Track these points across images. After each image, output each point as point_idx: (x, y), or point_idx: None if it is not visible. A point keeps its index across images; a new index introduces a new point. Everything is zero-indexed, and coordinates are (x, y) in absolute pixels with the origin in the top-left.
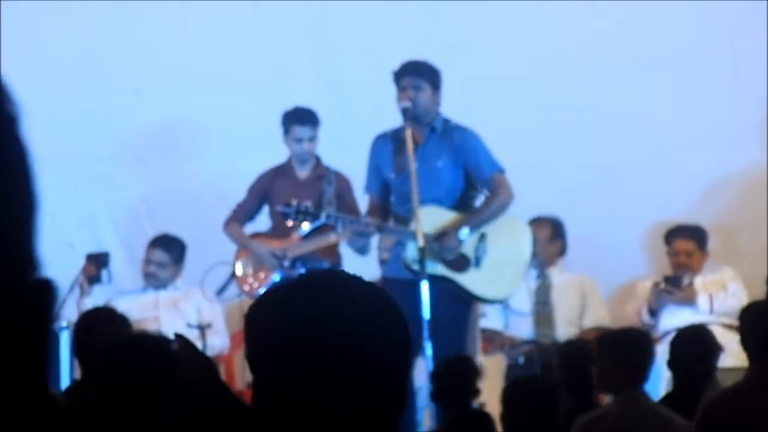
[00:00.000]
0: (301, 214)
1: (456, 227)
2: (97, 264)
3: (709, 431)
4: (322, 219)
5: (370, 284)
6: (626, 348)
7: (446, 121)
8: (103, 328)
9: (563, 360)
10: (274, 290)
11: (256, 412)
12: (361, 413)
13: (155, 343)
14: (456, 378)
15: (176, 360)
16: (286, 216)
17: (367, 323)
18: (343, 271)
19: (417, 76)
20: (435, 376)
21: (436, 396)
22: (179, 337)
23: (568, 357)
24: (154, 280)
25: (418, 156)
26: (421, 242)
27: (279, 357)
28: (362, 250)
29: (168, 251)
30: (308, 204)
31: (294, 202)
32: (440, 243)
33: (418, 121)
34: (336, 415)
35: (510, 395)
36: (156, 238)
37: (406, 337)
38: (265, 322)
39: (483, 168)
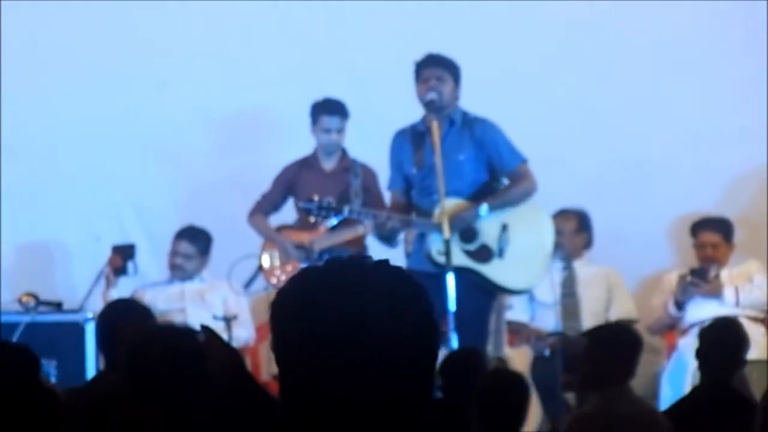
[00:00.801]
0: (323, 210)
1: (476, 204)
2: (123, 256)
3: None
4: (345, 214)
5: (396, 270)
6: (617, 343)
7: (465, 114)
8: (126, 320)
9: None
10: (298, 279)
11: (282, 403)
12: (386, 403)
13: (182, 333)
14: (463, 371)
15: (203, 351)
16: (308, 212)
17: (393, 311)
18: (369, 258)
19: (440, 68)
20: (442, 370)
21: (443, 390)
22: (205, 329)
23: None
24: (180, 271)
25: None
26: (446, 234)
27: (303, 347)
28: (389, 240)
29: (194, 243)
30: (330, 199)
31: (316, 198)
32: (458, 215)
33: (438, 113)
34: (361, 405)
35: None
36: (182, 229)
37: (433, 324)
38: (290, 312)
39: (506, 159)
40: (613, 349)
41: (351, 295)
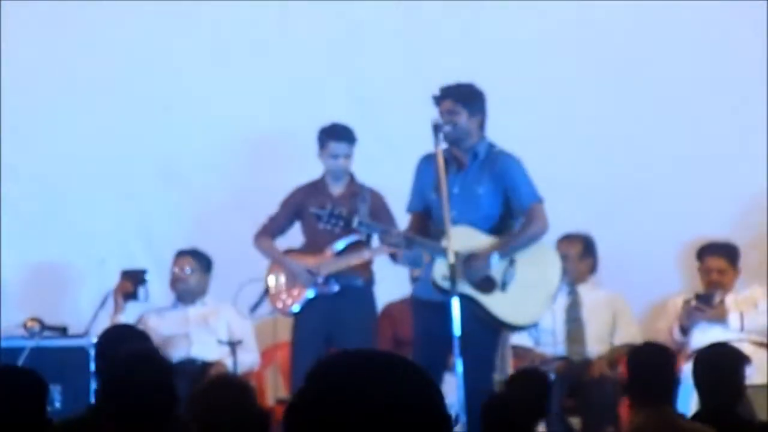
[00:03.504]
0: (333, 218)
1: (487, 253)
2: (134, 281)
3: None
4: (354, 224)
5: (408, 364)
6: (656, 363)
7: (491, 146)
8: (124, 346)
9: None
10: (312, 387)
11: None
12: None
13: (157, 357)
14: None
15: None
16: (318, 218)
17: (409, 414)
18: (379, 353)
19: (451, 100)
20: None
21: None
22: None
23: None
24: (182, 285)
25: (459, 180)
26: (452, 259)
27: None
28: (416, 263)
29: (195, 258)
30: (342, 209)
31: (328, 206)
32: (469, 263)
33: (457, 145)
34: None
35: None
36: (183, 249)
37: (446, 418)
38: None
39: (522, 196)
40: (657, 369)
41: (367, 401)
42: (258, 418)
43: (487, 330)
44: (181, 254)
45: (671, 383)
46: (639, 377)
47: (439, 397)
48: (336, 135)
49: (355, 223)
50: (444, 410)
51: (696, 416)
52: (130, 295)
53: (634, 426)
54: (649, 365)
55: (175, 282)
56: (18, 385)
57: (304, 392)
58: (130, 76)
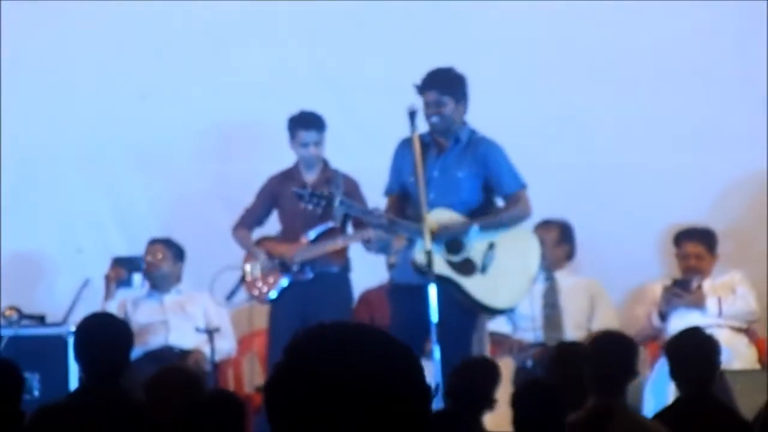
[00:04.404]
0: (315, 197)
1: (468, 222)
2: (129, 268)
3: None
4: (336, 204)
5: (386, 336)
6: (621, 355)
7: (472, 132)
8: (104, 334)
9: (558, 363)
10: (290, 362)
11: None
12: None
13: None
14: (475, 380)
15: None
16: (300, 198)
17: (386, 380)
18: (357, 327)
19: (437, 91)
20: (454, 377)
21: (452, 397)
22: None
23: (563, 360)
24: (154, 271)
25: (439, 164)
26: (428, 245)
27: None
28: (384, 250)
29: (167, 246)
30: (323, 190)
31: (309, 187)
32: (447, 228)
33: (442, 132)
34: None
35: (519, 398)
36: (155, 237)
37: (426, 395)
38: (287, 397)
39: (505, 183)
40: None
41: (345, 375)
42: (211, 403)
43: (465, 315)
44: (153, 242)
45: (630, 376)
46: (602, 366)
47: (418, 369)
48: (304, 123)
49: (337, 201)
50: (423, 382)
51: (671, 405)
52: (124, 282)
53: (585, 412)
54: (613, 356)
55: (146, 269)
56: None
57: (282, 366)
58: (106, 65)
